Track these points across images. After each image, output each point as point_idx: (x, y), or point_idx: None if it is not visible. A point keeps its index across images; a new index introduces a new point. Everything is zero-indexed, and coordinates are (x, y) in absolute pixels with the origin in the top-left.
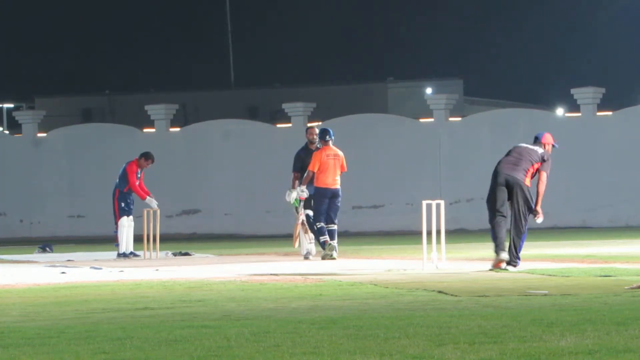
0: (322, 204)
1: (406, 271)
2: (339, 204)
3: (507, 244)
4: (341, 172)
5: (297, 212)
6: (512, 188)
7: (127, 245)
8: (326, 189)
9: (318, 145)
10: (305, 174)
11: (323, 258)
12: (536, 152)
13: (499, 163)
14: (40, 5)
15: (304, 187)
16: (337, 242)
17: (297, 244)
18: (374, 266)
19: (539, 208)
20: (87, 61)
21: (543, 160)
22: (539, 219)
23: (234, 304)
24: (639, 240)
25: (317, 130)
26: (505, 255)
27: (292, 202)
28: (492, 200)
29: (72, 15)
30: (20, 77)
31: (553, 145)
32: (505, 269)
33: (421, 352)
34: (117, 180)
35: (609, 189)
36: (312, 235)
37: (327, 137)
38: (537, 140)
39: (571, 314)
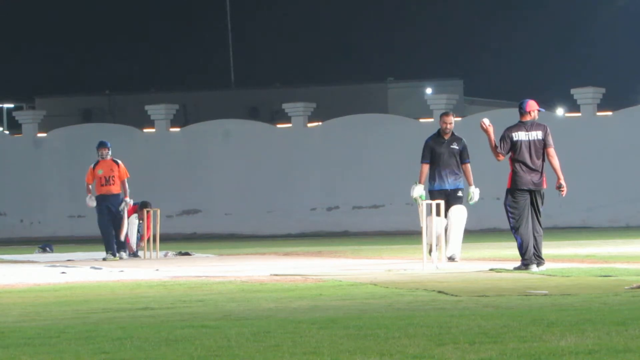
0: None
1: (406, 271)
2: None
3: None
4: (120, 180)
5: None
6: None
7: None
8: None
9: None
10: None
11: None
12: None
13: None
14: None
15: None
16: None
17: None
18: (374, 266)
19: (562, 182)
20: (87, 61)
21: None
22: (564, 193)
23: (234, 304)
24: (639, 240)
25: (451, 119)
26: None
27: (414, 197)
28: None
29: (72, 15)
30: (20, 77)
31: (539, 110)
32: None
33: (421, 352)
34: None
35: (609, 189)
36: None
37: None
38: (522, 110)
39: (571, 314)
